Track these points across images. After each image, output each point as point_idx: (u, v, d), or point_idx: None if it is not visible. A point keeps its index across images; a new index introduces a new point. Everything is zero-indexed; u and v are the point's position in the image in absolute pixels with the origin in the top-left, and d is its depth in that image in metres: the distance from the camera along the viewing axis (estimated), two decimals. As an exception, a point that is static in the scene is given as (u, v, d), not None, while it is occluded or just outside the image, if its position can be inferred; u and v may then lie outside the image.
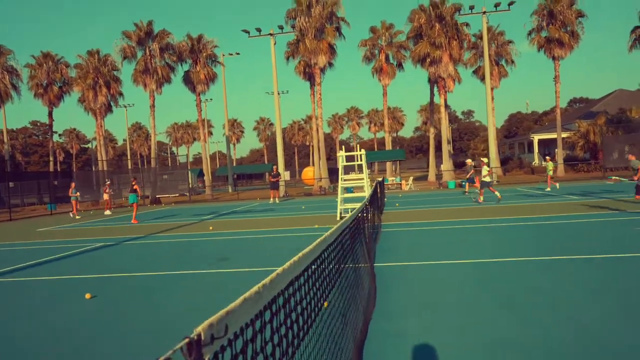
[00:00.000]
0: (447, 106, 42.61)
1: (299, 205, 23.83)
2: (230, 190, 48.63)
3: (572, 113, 65.91)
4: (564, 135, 45.67)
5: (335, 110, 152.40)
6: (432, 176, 37.52)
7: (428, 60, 33.27)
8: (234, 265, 8.67)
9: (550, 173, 24.68)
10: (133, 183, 19.74)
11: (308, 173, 47.14)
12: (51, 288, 7.76)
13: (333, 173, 41.65)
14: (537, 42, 36.67)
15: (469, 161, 26.18)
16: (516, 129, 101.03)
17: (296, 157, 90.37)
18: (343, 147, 16.49)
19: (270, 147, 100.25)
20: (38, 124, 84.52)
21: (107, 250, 11.64)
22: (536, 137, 49.35)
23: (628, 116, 42.25)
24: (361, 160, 15.47)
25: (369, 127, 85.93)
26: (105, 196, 25.50)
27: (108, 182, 26.37)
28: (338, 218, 15.24)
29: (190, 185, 46.46)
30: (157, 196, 35.13)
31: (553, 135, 49.31)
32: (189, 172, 39.51)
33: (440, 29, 32.31)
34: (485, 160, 19.29)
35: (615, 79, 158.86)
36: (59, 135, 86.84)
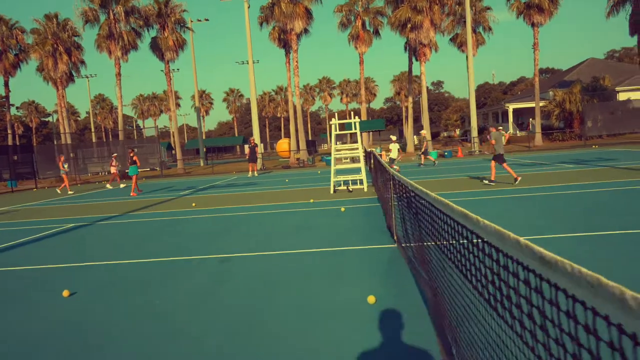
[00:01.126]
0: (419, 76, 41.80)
1: (281, 178, 22.70)
2: (202, 164, 46.92)
3: (543, 83, 66.21)
4: (540, 104, 45.64)
5: (307, 81, 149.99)
6: (410, 147, 36.83)
7: (409, 25, 32.10)
8: (235, 248, 7.57)
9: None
10: (131, 154, 18.95)
11: (283, 145, 45.82)
12: (19, 281, 6.50)
13: (308, 145, 40.50)
14: (517, 8, 35.90)
15: (423, 132, 25.62)
16: (484, 100, 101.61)
17: (267, 129, 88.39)
18: (336, 114, 15.19)
19: (240, 119, 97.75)
20: (-8, 96, 79.51)
21: (88, 231, 10.32)
22: (511, 107, 49.22)
23: (602, 84, 42.45)
24: (355, 128, 14.40)
25: (341, 98, 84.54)
26: (112, 169, 23.81)
27: (115, 155, 24.49)
28: (332, 191, 14.24)
29: (161, 159, 44.53)
30: (126, 171, 33.28)
31: (527, 105, 49.32)
32: (160, 144, 37.62)
33: (422, -7, 31.10)
34: (393, 137, 19.55)
35: (583, 49, 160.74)
36: (17, 108, 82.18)
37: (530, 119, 49.90)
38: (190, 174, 33.47)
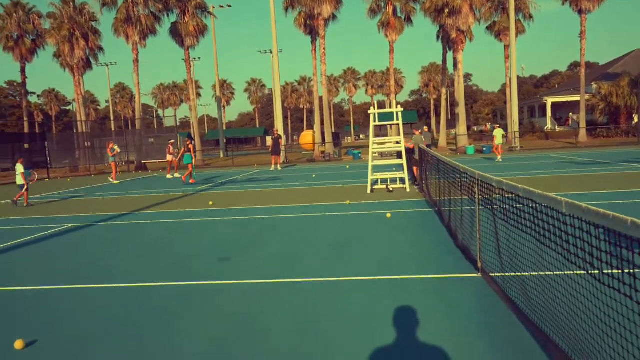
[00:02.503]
0: (455, 66, 39.28)
1: (306, 173, 20.78)
2: (222, 155, 45.37)
3: (578, 77, 62.73)
4: (578, 98, 42.75)
5: (331, 71, 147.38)
6: (443, 141, 34.48)
7: (446, 10, 29.68)
8: (251, 273, 5.66)
9: (500, 142, 21.95)
10: (188, 143, 18.90)
11: (307, 137, 43.83)
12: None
13: (333, 138, 38.47)
14: (563, -7, 33.16)
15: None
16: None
17: (289, 120, 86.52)
18: (375, 102, 13.09)
19: (262, 110, 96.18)
20: (15, 84, 79.31)
21: (81, 235, 8.56)
22: (550, 100, 46.31)
23: (651, 77, 39.35)
24: (397, 119, 12.34)
25: (366, 90, 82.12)
26: (169, 157, 21.94)
27: (172, 141, 22.53)
28: (369, 191, 12.24)
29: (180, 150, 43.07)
30: (142, 161, 31.80)
31: (567, 98, 46.33)
32: (178, 135, 36.05)
33: (462, -26, 28.64)
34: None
35: (621, 41, 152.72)
36: (38, 96, 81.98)
37: (570, 114, 46.96)
38: (209, 166, 31.84)
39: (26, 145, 27.60)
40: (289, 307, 4.40)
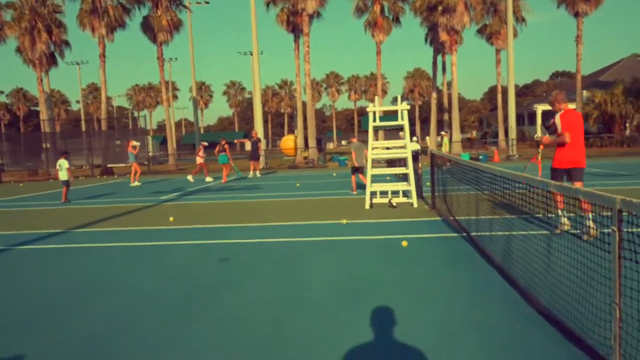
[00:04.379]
0: (443, 69, 37.60)
1: (289, 181, 18.50)
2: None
3: (569, 85, 61.98)
4: (573, 106, 41.51)
5: (312, 76, 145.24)
6: (433, 147, 32.59)
7: (440, 8, 27.86)
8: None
9: (446, 149, 21.36)
10: (222, 142, 19.14)
11: (288, 142, 41.55)
12: None
13: (317, 143, 36.25)
14: (559, -5, 31.77)
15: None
16: (495, 102, 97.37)
17: (269, 125, 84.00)
18: (376, 97, 10.82)
19: (241, 114, 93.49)
20: (-20, 81, 75.17)
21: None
22: (540, 108, 45.00)
23: (645, 85, 38.18)
24: (402, 119, 10.17)
25: (349, 95, 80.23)
26: (198, 160, 19.67)
27: (204, 143, 20.38)
28: (367, 206, 10.02)
29: (152, 153, 40.31)
30: (108, 165, 29.05)
31: (557, 106, 45.13)
32: (150, 137, 33.40)
33: (457, -30, 26.86)
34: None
35: (606, 50, 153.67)
36: (6, 95, 77.84)
37: (560, 122, 45.77)
38: (183, 170, 29.25)
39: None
40: None
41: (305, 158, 30.69)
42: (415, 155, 10.78)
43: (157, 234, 8.14)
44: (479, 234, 6.38)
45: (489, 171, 5.90)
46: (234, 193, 14.66)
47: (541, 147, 7.68)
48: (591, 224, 5.50)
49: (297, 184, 16.64)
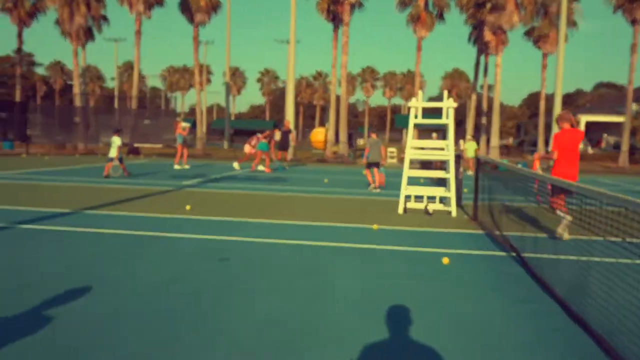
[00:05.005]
0: (485, 70, 35.97)
1: (317, 175, 17.68)
2: (226, 146, 42.48)
3: (611, 98, 59.26)
4: (619, 119, 39.47)
5: (348, 69, 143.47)
6: (470, 152, 31.22)
7: (488, 5, 26.45)
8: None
9: (472, 155, 19.01)
10: (268, 132, 17.94)
11: (318, 135, 40.73)
12: None
13: (348, 138, 35.34)
14: (616, 1, 29.81)
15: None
16: (535, 110, 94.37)
17: (301, 117, 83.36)
18: (419, 92, 9.71)
19: (274, 102, 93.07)
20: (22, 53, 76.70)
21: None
22: (583, 119, 42.89)
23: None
24: (447, 118, 9.20)
25: (384, 92, 78.79)
26: (247, 148, 18.40)
27: (260, 135, 18.27)
28: (400, 210, 9.11)
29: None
30: (135, 145, 28.79)
31: (603, 118, 43.01)
32: (180, 119, 33.02)
33: (510, -35, 25.37)
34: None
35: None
36: (45, 68, 79.21)
37: (605, 135, 43.60)
38: (209, 156, 28.82)
39: (3, 115, 24.63)
40: None
41: (334, 152, 29.84)
42: (457, 159, 9.79)
43: (169, 224, 7.43)
44: (535, 255, 5.44)
45: (554, 183, 4.94)
46: (258, 184, 13.92)
47: (536, 161, 8.01)
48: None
49: (325, 180, 15.81)
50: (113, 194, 10.52)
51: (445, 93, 9.29)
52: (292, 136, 21.77)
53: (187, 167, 18.65)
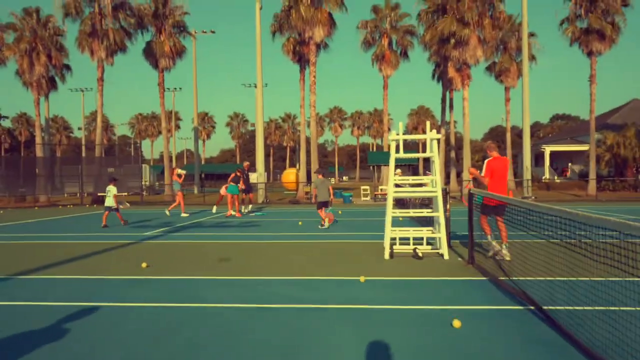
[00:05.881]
0: (451, 106, 36.35)
1: (290, 218, 16.77)
2: (196, 191, 41.16)
3: (571, 128, 60.90)
4: (582, 148, 40.26)
5: (316, 109, 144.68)
6: (453, 186, 30.97)
7: (452, 41, 26.75)
8: None
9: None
10: (238, 172, 17.68)
11: (289, 176, 40.24)
12: None
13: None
14: (572, 33, 30.70)
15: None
16: (499, 143, 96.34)
17: (271, 159, 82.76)
18: (400, 123, 9.11)
19: (243, 146, 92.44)
20: (-19, 106, 74.39)
21: None
22: (548, 149, 43.65)
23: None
24: (431, 151, 8.54)
25: (352, 131, 79.32)
26: (223, 190, 17.92)
27: (239, 170, 18.12)
28: (387, 256, 8.26)
29: (148, 183, 38.72)
30: (99, 194, 27.32)
31: (566, 147, 43.85)
32: (144, 165, 31.87)
33: (471, 1, 25.79)
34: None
35: (605, 93, 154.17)
36: (11, 120, 76.79)
37: (570, 164, 44.30)
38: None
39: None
40: None
41: (307, 193, 29.04)
42: (444, 195, 9.08)
43: (116, 289, 6.33)
44: (566, 308, 4.63)
45: (567, 217, 4.20)
46: (228, 231, 12.90)
47: (470, 176, 8.70)
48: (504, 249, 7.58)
49: (300, 222, 14.91)
50: (60, 251, 9.34)
51: (428, 124, 8.66)
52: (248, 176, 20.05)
53: (185, 214, 17.72)
